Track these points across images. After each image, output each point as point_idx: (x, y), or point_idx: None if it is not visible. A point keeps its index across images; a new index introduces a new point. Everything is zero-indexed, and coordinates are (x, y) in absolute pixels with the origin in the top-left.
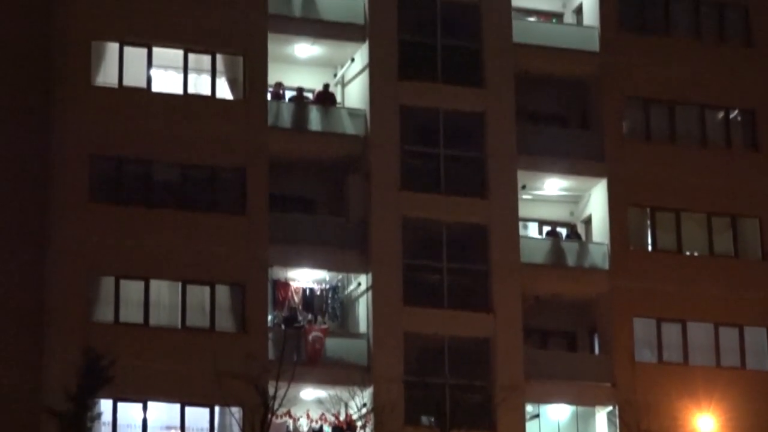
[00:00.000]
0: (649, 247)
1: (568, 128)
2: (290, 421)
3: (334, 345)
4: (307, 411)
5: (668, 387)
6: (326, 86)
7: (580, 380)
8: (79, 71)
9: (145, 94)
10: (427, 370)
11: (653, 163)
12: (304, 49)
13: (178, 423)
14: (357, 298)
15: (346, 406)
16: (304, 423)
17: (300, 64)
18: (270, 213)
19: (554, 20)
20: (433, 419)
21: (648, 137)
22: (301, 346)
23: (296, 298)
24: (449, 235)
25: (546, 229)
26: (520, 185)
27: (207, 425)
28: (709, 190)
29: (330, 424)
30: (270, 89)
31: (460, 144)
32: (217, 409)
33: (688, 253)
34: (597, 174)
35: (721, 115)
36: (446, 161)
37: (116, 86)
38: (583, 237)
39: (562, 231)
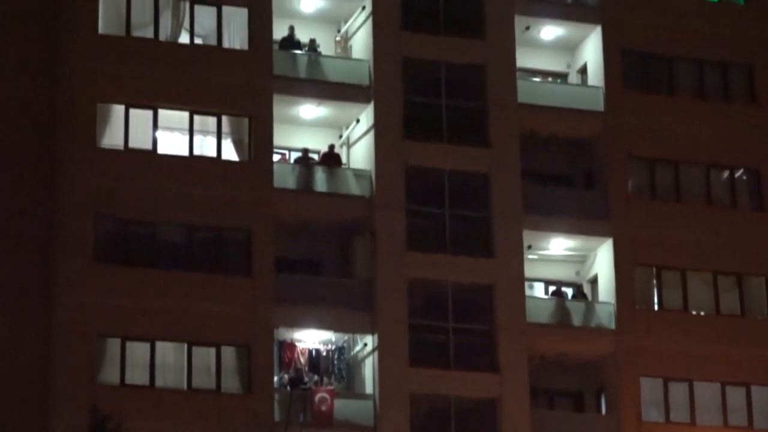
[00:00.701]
0: (656, 306)
1: (573, 188)
2: None
3: (340, 406)
4: None
5: None
6: (331, 147)
7: None
8: (84, 133)
9: (150, 155)
10: (434, 431)
11: (659, 222)
12: (310, 110)
13: None
14: (363, 359)
15: None
16: None
17: (305, 125)
18: (275, 274)
19: (559, 80)
20: None
21: (653, 196)
22: (307, 407)
23: (302, 359)
24: (455, 295)
25: (552, 288)
26: (525, 245)
27: None
28: (715, 248)
29: None
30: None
31: (465, 204)
32: None
33: (694, 312)
34: (602, 233)
35: (726, 174)
36: (452, 221)
37: (122, 148)
38: (589, 296)
39: (568, 291)
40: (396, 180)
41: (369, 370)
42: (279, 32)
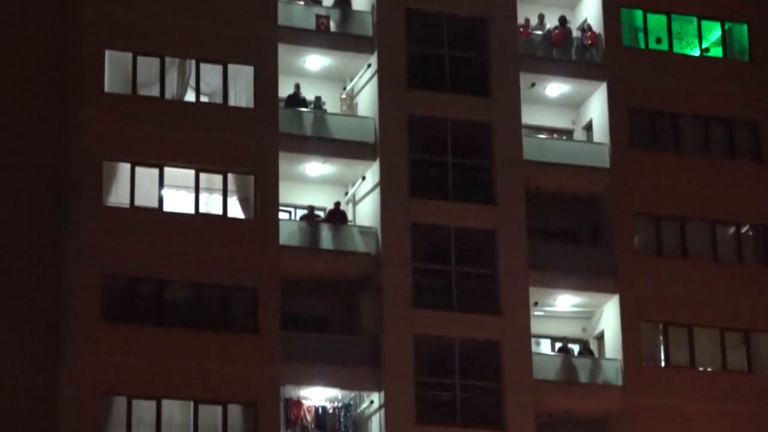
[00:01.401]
0: (663, 363)
1: (579, 244)
2: None
3: None
4: None
5: None
6: (337, 204)
7: None
8: (91, 191)
9: (156, 213)
10: None
11: (665, 278)
12: (316, 167)
13: None
14: (370, 417)
15: None
16: None
17: (311, 183)
18: (282, 331)
19: (564, 137)
20: None
21: (659, 253)
22: None
23: (309, 417)
24: (462, 351)
25: (558, 345)
26: (532, 302)
27: None
28: (722, 305)
29: None
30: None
31: (471, 261)
32: None
33: (701, 369)
34: (609, 290)
35: (732, 230)
36: (458, 278)
37: (128, 206)
38: (596, 353)
39: (575, 347)
40: (402, 237)
41: (376, 427)
42: (285, 90)
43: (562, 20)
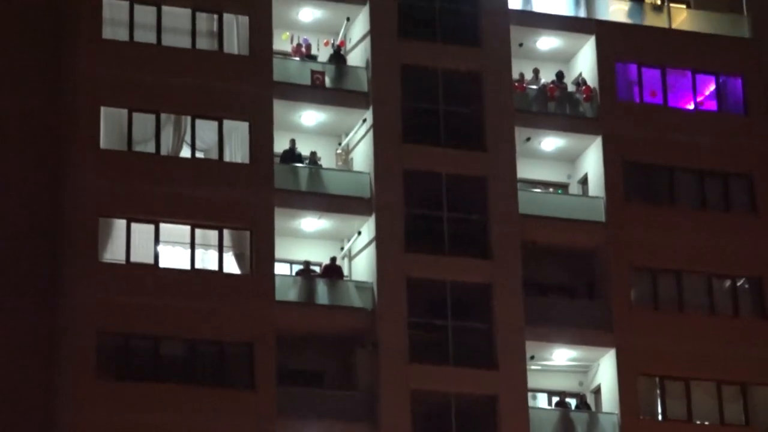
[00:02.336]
0: (660, 417)
1: (575, 298)
2: None
3: None
4: None
5: None
6: (333, 259)
7: None
8: (86, 247)
9: (152, 269)
10: None
11: (662, 332)
12: (311, 222)
13: None
14: None
15: None
16: None
17: (307, 238)
18: (278, 387)
19: (560, 191)
20: None
21: (656, 306)
22: None
23: None
24: (458, 407)
25: (555, 399)
26: (528, 356)
27: None
28: (719, 358)
29: None
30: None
31: (467, 315)
32: None
33: (698, 422)
34: (605, 344)
35: (728, 283)
36: (454, 333)
37: (124, 262)
38: (593, 407)
39: (572, 401)
40: (398, 292)
41: None
42: (280, 145)
43: (560, 75)
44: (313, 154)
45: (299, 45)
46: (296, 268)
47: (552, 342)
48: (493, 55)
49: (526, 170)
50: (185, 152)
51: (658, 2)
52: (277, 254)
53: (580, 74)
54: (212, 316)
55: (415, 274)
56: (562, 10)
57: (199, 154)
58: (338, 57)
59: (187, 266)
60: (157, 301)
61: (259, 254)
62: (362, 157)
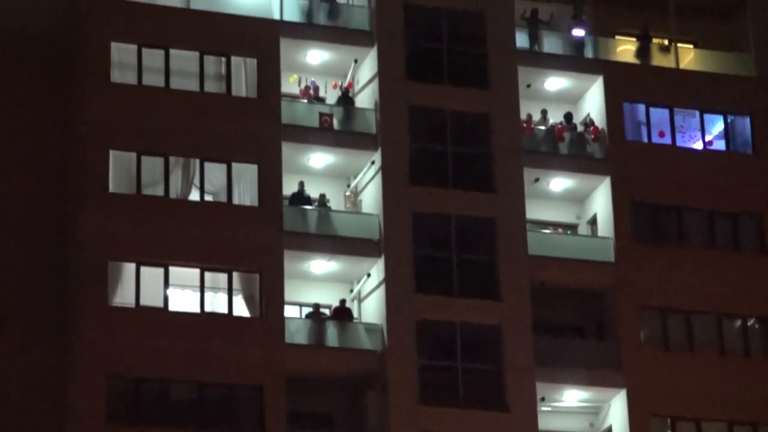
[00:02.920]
0: None
1: (585, 339)
2: None
3: None
4: None
5: None
6: (343, 302)
7: None
8: (96, 291)
9: (162, 313)
10: None
11: (672, 372)
12: (321, 265)
13: None
14: None
15: None
16: None
17: (316, 280)
18: (288, 430)
19: (569, 231)
20: None
21: (666, 346)
22: None
23: None
24: None
25: None
26: (539, 397)
27: None
28: (730, 398)
29: None
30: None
31: (477, 357)
32: None
33: None
34: (616, 385)
35: (738, 323)
36: (464, 374)
37: (133, 306)
38: None
39: None
40: (407, 334)
41: None
42: (289, 188)
43: (568, 117)
44: (322, 196)
45: (307, 87)
46: (306, 310)
47: (562, 383)
48: (501, 96)
49: (534, 211)
50: (194, 195)
51: (665, 42)
52: (287, 297)
53: (588, 115)
54: (222, 359)
55: (424, 315)
56: (570, 51)
57: (207, 197)
58: (346, 99)
59: (196, 309)
60: (166, 344)
61: (269, 297)
62: (371, 198)
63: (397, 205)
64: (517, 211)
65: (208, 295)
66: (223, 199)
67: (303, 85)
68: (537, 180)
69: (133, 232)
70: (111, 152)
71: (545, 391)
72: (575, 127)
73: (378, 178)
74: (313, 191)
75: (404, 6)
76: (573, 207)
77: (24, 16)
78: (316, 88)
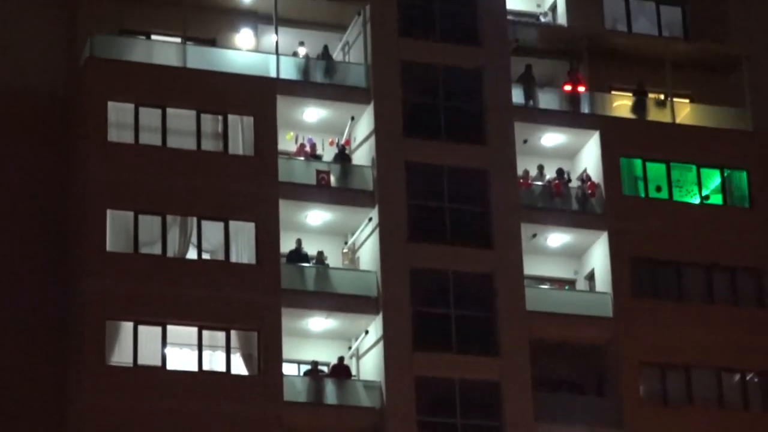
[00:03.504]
0: None
1: (585, 395)
2: None
3: None
4: None
5: None
6: (341, 359)
7: None
8: (94, 351)
9: (160, 372)
10: None
11: (672, 427)
12: (319, 322)
13: None
14: None
15: None
16: None
17: (314, 338)
18: None
19: (567, 287)
20: None
21: (665, 402)
22: None
23: None
24: None
25: None
26: None
27: None
28: None
29: None
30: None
31: (477, 414)
32: None
33: None
34: None
35: (737, 378)
36: (464, 431)
37: (131, 365)
38: None
39: None
40: (406, 391)
41: None
42: (287, 245)
43: (559, 172)
44: (320, 253)
45: (302, 145)
46: (304, 368)
47: None
48: (498, 152)
49: (532, 266)
50: (192, 253)
51: (661, 97)
52: (285, 354)
53: (585, 170)
54: (221, 417)
55: (423, 372)
56: (566, 106)
57: (205, 256)
58: (343, 156)
59: (194, 368)
60: (165, 404)
61: (267, 355)
62: (369, 255)
63: (394, 261)
64: (515, 267)
65: (206, 353)
66: (221, 257)
67: (299, 143)
68: (534, 235)
69: (131, 291)
70: (108, 211)
71: None
72: (568, 181)
73: (376, 235)
74: (310, 248)
75: (401, 62)
76: (571, 262)
77: (21, 76)
78: (313, 146)
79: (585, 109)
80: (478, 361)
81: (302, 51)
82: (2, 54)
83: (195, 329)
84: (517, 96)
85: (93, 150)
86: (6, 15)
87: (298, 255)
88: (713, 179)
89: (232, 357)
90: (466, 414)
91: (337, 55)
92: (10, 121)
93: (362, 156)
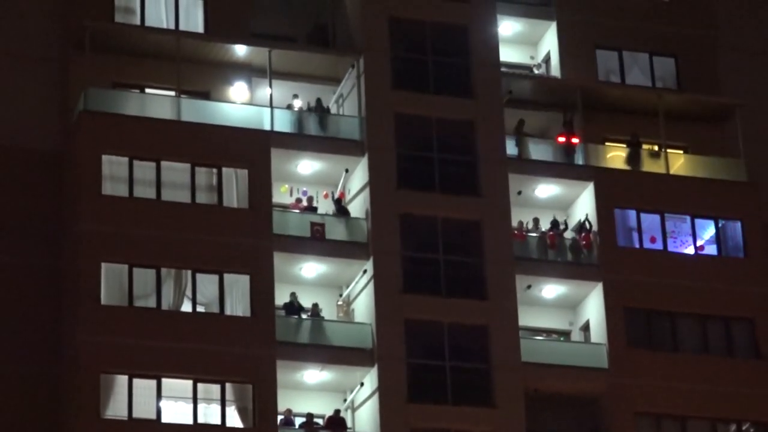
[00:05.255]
0: None
1: None
2: None
3: None
4: None
5: None
6: (337, 412)
7: None
8: (88, 404)
9: (155, 425)
10: None
11: None
12: (313, 375)
13: None
14: None
15: None
16: None
17: (309, 390)
18: None
19: (562, 338)
20: None
21: None
22: None
23: None
24: None
25: None
26: None
27: None
28: None
29: None
30: (280, 416)
31: None
32: None
33: None
34: None
35: (733, 427)
36: None
37: (126, 418)
38: None
39: None
40: None
41: None
42: (281, 297)
43: (554, 223)
44: (315, 305)
45: (299, 200)
46: (299, 420)
47: None
48: (492, 204)
49: (527, 318)
50: (186, 306)
51: (655, 148)
52: (280, 407)
53: (579, 221)
54: None
55: (418, 425)
56: (560, 157)
57: (200, 308)
58: (339, 208)
59: (189, 421)
60: None
61: (262, 407)
62: (363, 307)
63: (389, 313)
64: (510, 318)
65: (201, 406)
66: (216, 310)
67: (294, 197)
68: (529, 287)
69: (126, 344)
70: (103, 264)
71: None
72: (564, 230)
73: (370, 287)
74: (305, 300)
75: (395, 115)
76: (566, 313)
77: (14, 132)
78: (310, 198)
79: (579, 160)
80: (473, 413)
81: (297, 103)
82: None
83: (190, 382)
84: (511, 148)
85: (87, 203)
86: None
87: (292, 307)
88: (708, 230)
89: (227, 410)
90: None
91: (331, 107)
92: (4, 176)
93: (356, 208)
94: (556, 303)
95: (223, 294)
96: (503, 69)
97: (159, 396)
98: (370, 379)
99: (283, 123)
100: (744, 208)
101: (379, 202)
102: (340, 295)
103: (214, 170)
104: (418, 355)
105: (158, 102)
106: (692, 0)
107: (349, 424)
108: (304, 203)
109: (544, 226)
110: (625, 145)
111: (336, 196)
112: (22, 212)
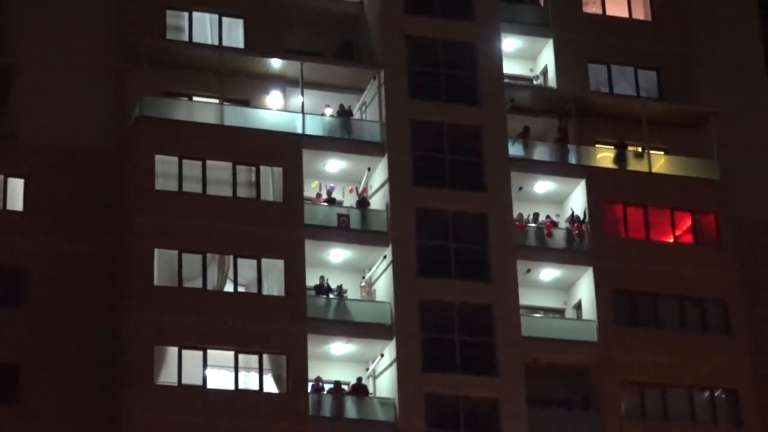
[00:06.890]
0: None
1: (573, 411)
2: None
3: None
4: None
5: None
6: (359, 379)
7: None
8: (143, 373)
9: (201, 390)
10: None
11: None
12: (340, 347)
13: None
14: None
15: None
16: None
17: (336, 360)
18: None
19: (557, 316)
20: None
21: (644, 417)
22: None
23: None
24: None
25: None
26: None
27: None
28: None
29: None
30: (311, 383)
31: (478, 428)
32: None
33: None
34: None
35: (707, 395)
36: None
37: (176, 384)
38: None
39: None
40: (417, 407)
41: None
42: (311, 280)
43: (572, 218)
44: (340, 287)
45: (319, 195)
46: (327, 387)
47: None
48: (496, 198)
49: (527, 298)
50: (228, 287)
51: (640, 149)
52: (311, 375)
53: (572, 212)
54: (254, 431)
55: (431, 390)
56: (556, 158)
57: (240, 289)
58: (361, 202)
59: (231, 387)
60: (206, 421)
61: (295, 376)
62: (383, 289)
63: (406, 294)
64: (511, 299)
65: (241, 374)
66: (254, 290)
67: (322, 193)
68: (528, 271)
69: (176, 320)
70: (156, 250)
71: None
72: (553, 224)
73: (389, 271)
74: (333, 282)
75: (410, 121)
76: (560, 294)
77: (78, 136)
78: (329, 191)
79: (572, 160)
80: (479, 381)
81: (328, 111)
82: (61, 119)
83: (232, 353)
84: (513, 149)
85: (142, 197)
86: (63, 84)
87: (321, 288)
88: (685, 221)
89: (264, 377)
90: (468, 428)
91: (355, 113)
92: (69, 176)
93: (377, 202)
94: (552, 285)
95: (260, 276)
96: (506, 80)
97: (205, 365)
98: (389, 351)
99: (313, 127)
100: (717, 203)
101: (397, 197)
102: (363, 278)
103: (253, 168)
104: (430, 330)
105: (204, 109)
106: (672, 21)
107: (370, 390)
108: (324, 196)
109: (542, 217)
110: (613, 147)
111: (359, 191)
112: (85, 207)
